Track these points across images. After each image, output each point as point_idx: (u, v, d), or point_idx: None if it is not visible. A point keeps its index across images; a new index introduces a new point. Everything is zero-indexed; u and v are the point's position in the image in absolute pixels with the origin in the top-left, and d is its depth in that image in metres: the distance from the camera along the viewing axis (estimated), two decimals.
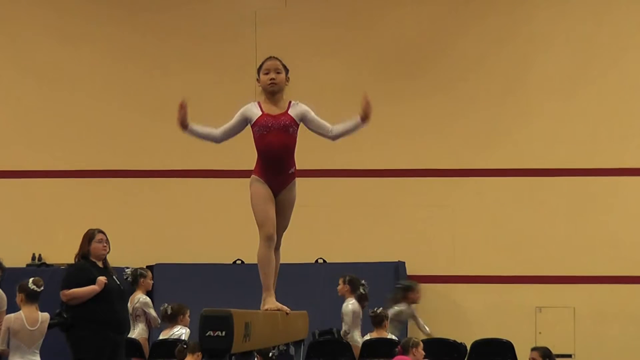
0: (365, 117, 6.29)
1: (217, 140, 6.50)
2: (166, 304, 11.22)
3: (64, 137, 14.63)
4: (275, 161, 6.17)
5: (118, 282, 8.98)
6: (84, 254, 8.86)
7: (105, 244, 8.89)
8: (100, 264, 8.88)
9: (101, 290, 8.66)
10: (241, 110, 6.32)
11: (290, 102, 6.27)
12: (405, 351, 10.29)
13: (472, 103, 14.48)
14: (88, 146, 14.62)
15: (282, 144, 6.14)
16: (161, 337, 11.14)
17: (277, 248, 6.32)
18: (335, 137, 6.40)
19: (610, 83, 14.32)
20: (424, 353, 10.43)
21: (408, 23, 14.60)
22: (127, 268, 11.53)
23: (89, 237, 8.86)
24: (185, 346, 9.78)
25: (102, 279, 8.68)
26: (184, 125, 6.36)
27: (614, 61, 14.34)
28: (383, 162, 14.45)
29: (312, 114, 6.31)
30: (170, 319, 11.11)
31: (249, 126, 6.29)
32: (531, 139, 14.33)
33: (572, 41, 14.40)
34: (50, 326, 8.81)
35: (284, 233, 6.34)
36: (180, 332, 11.03)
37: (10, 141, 14.66)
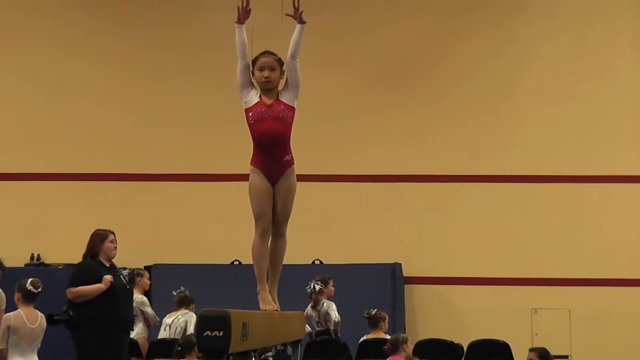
0: (299, 19, 6.26)
1: (240, 53, 6.29)
2: (183, 287, 11.31)
3: (63, 140, 14.67)
4: (270, 148, 6.18)
5: (124, 282, 9.01)
6: (93, 253, 8.91)
7: (115, 245, 8.95)
8: (107, 263, 8.91)
9: (107, 288, 8.70)
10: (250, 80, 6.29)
11: (279, 91, 6.29)
12: (395, 349, 10.23)
13: (466, 111, 14.59)
14: (87, 149, 14.66)
15: (276, 133, 6.16)
16: (167, 318, 11.15)
17: (281, 235, 6.33)
18: (293, 57, 6.32)
19: (599, 92, 14.47)
20: (412, 347, 10.43)
21: (402, 35, 14.70)
22: (125, 268, 11.54)
23: (102, 237, 8.88)
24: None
25: (108, 277, 8.69)
26: (241, 19, 6.28)
27: (602, 70, 14.50)
28: (380, 167, 14.52)
29: (288, 77, 6.28)
30: (185, 303, 11.17)
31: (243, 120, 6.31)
32: (523, 146, 14.44)
33: (561, 51, 14.56)
34: (55, 322, 8.80)
35: (287, 221, 6.34)
36: (186, 317, 11.06)
37: (10, 144, 14.70)
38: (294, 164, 6.32)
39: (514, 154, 14.46)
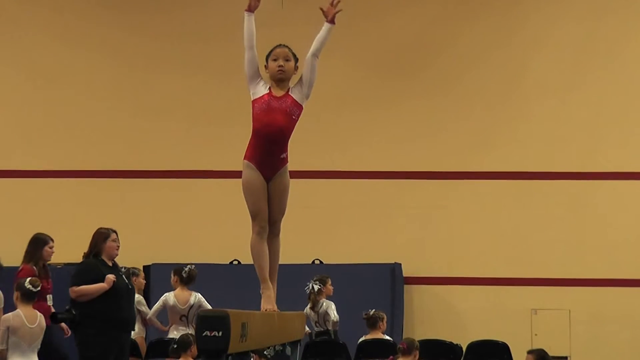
0: (330, 19, 6.21)
1: (247, 42, 6.26)
2: (190, 266, 11.16)
3: (61, 138, 14.62)
4: (270, 143, 6.10)
5: (127, 281, 9.01)
6: (96, 253, 8.88)
7: (118, 244, 8.94)
8: (109, 262, 8.92)
9: (110, 288, 8.69)
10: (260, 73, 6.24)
11: (289, 87, 6.22)
12: (409, 351, 10.28)
13: (469, 105, 14.48)
14: (85, 146, 14.61)
15: (279, 126, 6.08)
16: (179, 304, 10.97)
17: (276, 234, 6.28)
18: (315, 55, 6.29)
19: (607, 86, 14.32)
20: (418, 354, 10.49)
21: (404, 25, 14.59)
22: (122, 268, 11.50)
23: (104, 236, 8.91)
24: None
25: (110, 277, 8.73)
26: (252, 7, 6.26)
27: (610, 63, 14.33)
28: (380, 163, 14.45)
29: (304, 74, 6.21)
30: (190, 281, 11.08)
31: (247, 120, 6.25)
32: (528, 142, 14.33)
33: (569, 43, 14.39)
34: (58, 320, 8.83)
35: (282, 219, 6.28)
36: (199, 298, 10.99)
37: (8, 141, 14.65)
38: (287, 162, 6.27)
39: (518, 150, 14.32)
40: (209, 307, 10.78)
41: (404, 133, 14.49)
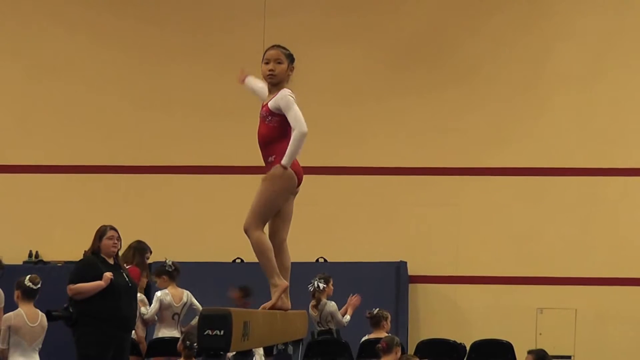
0: None
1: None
2: (168, 259, 11.01)
3: (61, 133, 14.54)
4: (260, 149, 6.10)
5: (127, 279, 8.98)
6: (94, 250, 8.90)
7: (116, 241, 8.97)
8: (110, 260, 8.93)
9: (108, 286, 8.69)
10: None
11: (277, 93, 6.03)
12: (389, 349, 10.30)
13: (482, 99, 14.32)
14: (86, 142, 14.54)
15: (260, 134, 6.02)
16: (175, 303, 10.79)
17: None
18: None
19: (625, 81, 14.16)
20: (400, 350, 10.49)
21: (421, 13, 14.41)
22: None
23: (100, 233, 8.94)
24: None
25: (108, 274, 8.74)
26: (241, 81, 6.29)
27: (630, 59, 14.16)
28: (386, 159, 14.36)
29: (286, 108, 5.96)
30: (178, 274, 10.96)
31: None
32: (539, 138, 14.21)
33: (590, 36, 14.18)
34: (55, 318, 8.83)
35: (255, 220, 6.24)
36: (190, 296, 10.88)
37: (7, 136, 14.57)
38: (277, 164, 6.15)
39: (527, 146, 14.20)
40: (199, 305, 10.73)
41: (412, 128, 14.39)
